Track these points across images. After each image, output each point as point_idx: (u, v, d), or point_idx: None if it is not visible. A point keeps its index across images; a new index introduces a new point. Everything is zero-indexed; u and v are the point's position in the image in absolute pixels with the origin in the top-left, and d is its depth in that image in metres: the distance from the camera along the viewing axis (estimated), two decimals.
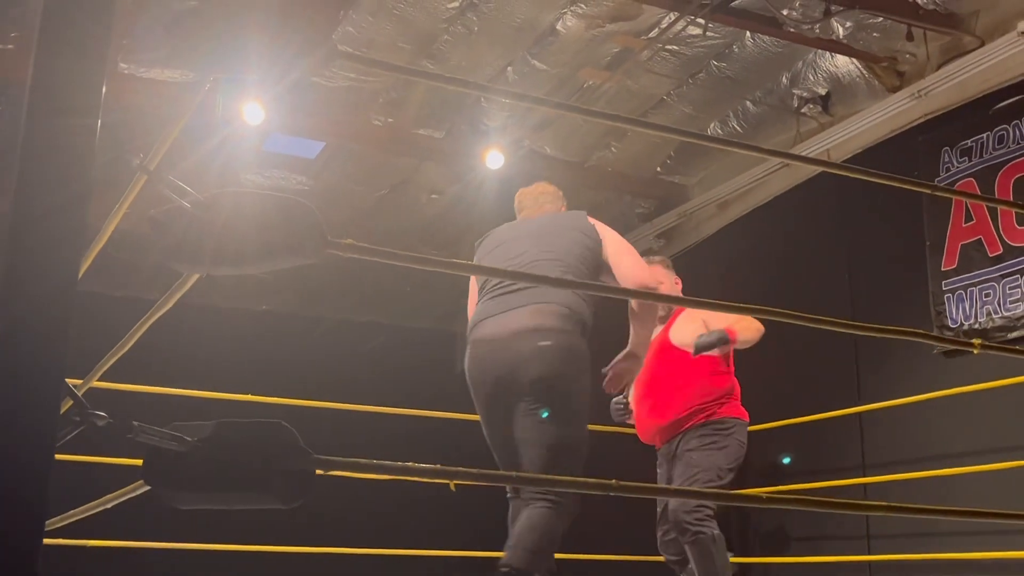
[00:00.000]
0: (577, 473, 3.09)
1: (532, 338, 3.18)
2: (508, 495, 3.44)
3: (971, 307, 5.70)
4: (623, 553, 6.11)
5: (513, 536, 3.11)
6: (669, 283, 4.67)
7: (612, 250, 3.52)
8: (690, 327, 4.46)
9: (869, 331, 2.20)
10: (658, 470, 4.60)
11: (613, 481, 1.67)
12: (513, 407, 3.26)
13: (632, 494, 1.58)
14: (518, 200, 4.02)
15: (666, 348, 4.57)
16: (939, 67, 5.96)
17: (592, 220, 3.68)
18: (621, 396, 4.34)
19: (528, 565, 3.01)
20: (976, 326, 5.62)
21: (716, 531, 4.17)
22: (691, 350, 4.28)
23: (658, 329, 4.57)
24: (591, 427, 3.43)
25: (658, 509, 4.52)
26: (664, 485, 4.42)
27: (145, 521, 5.39)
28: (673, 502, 4.20)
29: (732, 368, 4.62)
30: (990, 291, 5.62)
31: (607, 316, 3.74)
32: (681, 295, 4.71)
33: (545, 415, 3.15)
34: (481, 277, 3.51)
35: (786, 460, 6.65)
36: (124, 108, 6.07)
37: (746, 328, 4.29)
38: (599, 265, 3.49)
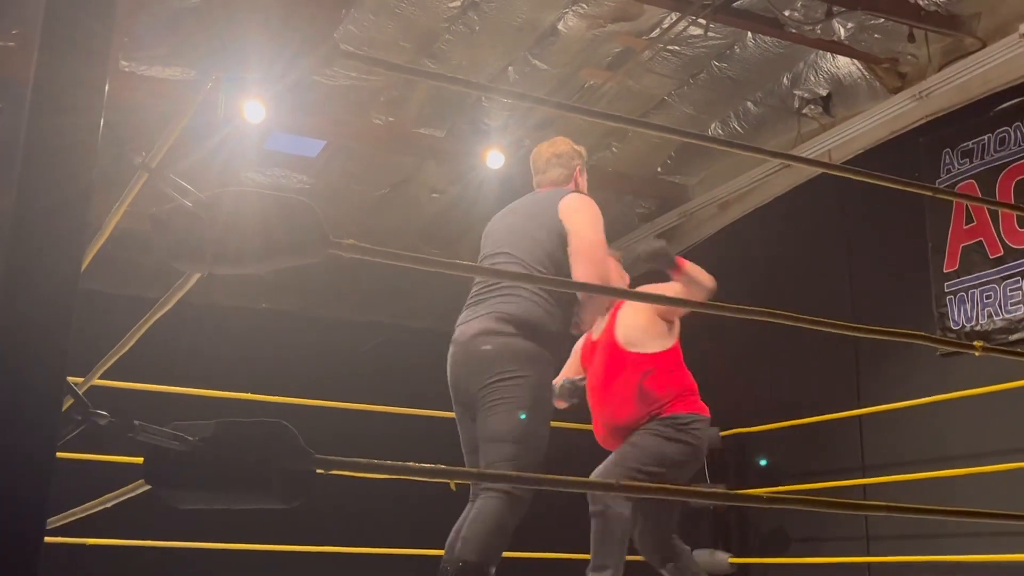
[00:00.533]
0: (534, 468, 3.08)
1: (477, 342, 3.24)
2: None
3: (972, 309, 5.70)
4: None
5: (462, 528, 3.12)
6: (616, 280, 4.28)
7: (572, 249, 3.37)
8: (634, 320, 4.13)
9: (869, 333, 2.20)
10: None
11: (614, 482, 1.66)
12: (470, 410, 3.32)
13: (635, 495, 1.58)
14: (531, 161, 3.85)
15: (612, 347, 4.18)
16: (940, 68, 5.96)
17: (565, 207, 3.47)
18: (579, 378, 4.16)
19: (476, 555, 3.00)
20: (977, 328, 5.63)
21: (626, 512, 3.80)
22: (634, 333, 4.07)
23: (601, 326, 4.25)
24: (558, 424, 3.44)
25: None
26: (664, 485, 4.22)
27: (144, 520, 5.40)
28: (596, 475, 3.85)
29: (682, 363, 4.20)
30: (991, 293, 5.62)
31: None
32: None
33: (493, 412, 3.16)
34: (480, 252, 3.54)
35: (763, 462, 6.67)
36: (124, 106, 6.06)
37: (700, 274, 4.05)
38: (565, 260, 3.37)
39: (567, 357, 4.23)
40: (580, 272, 3.25)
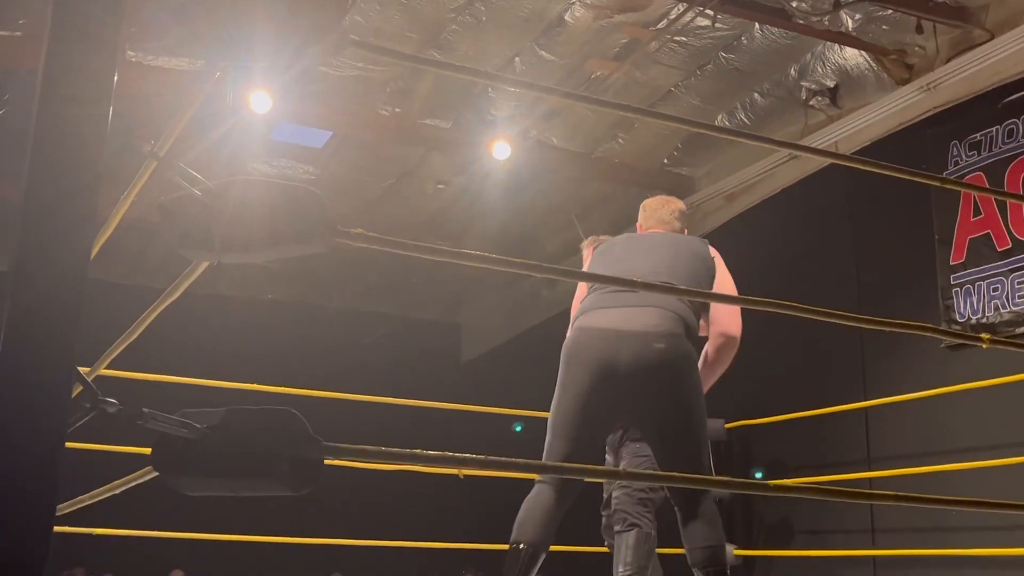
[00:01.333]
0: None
1: (649, 337, 3.16)
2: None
3: (979, 301, 5.69)
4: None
5: (697, 538, 3.18)
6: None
7: (720, 284, 3.46)
8: None
9: (876, 325, 2.19)
10: (606, 458, 4.26)
11: (621, 469, 1.67)
12: (619, 400, 3.22)
13: (639, 479, 1.57)
14: (643, 210, 3.86)
15: None
16: (948, 60, 5.94)
17: (712, 251, 3.56)
18: None
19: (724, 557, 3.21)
20: (984, 320, 5.61)
21: (652, 531, 4.00)
22: None
23: None
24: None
25: (604, 495, 4.26)
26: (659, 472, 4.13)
27: (150, 509, 5.41)
28: (619, 489, 4.00)
29: None
30: (998, 285, 5.61)
31: None
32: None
33: (687, 427, 3.19)
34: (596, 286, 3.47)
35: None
36: (131, 96, 6.07)
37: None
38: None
39: None
40: (729, 317, 3.41)
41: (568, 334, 3.39)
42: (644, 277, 3.10)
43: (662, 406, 3.17)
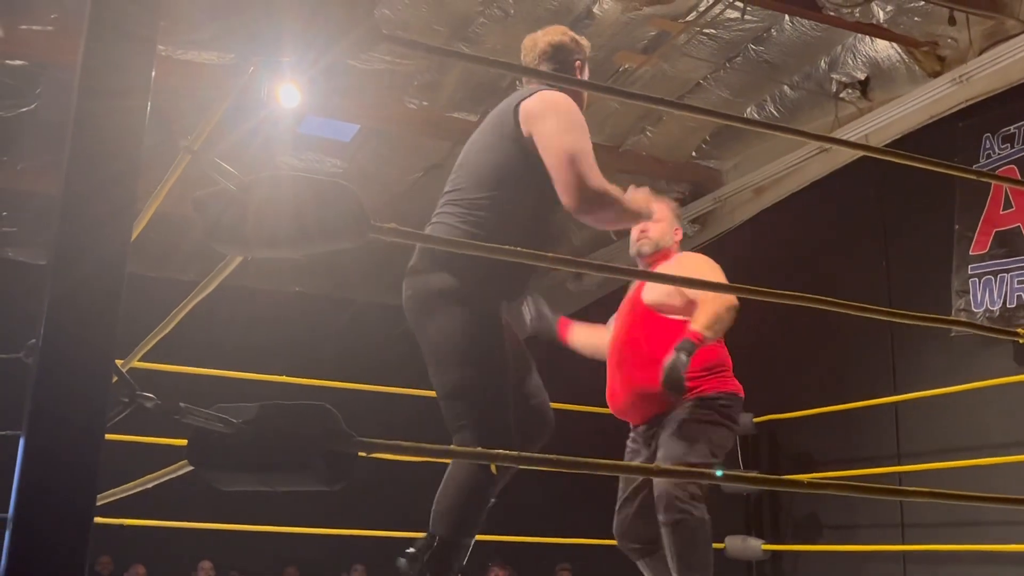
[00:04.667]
0: (484, 422, 2.58)
1: (407, 285, 2.76)
2: None
3: (1000, 292, 5.63)
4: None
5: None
6: (667, 223, 3.86)
7: (542, 146, 2.68)
8: (664, 288, 3.69)
9: (908, 319, 2.17)
10: (630, 447, 3.79)
11: (656, 465, 1.66)
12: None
13: (673, 476, 1.57)
14: (522, 58, 3.13)
15: (639, 308, 3.80)
16: (981, 52, 5.87)
17: (528, 110, 2.74)
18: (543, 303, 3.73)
19: (434, 525, 2.63)
20: (1006, 312, 5.56)
21: (705, 515, 3.47)
22: (662, 370, 3.37)
23: (632, 286, 3.90)
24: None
25: (622, 490, 3.74)
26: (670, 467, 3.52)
27: (179, 500, 5.45)
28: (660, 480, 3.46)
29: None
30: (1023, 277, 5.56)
31: None
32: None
33: (431, 368, 2.72)
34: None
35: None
36: (160, 90, 6.10)
37: (712, 315, 3.43)
38: (518, 164, 2.72)
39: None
40: (557, 187, 2.65)
41: None
42: (443, 198, 2.75)
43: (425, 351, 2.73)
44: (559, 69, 2.94)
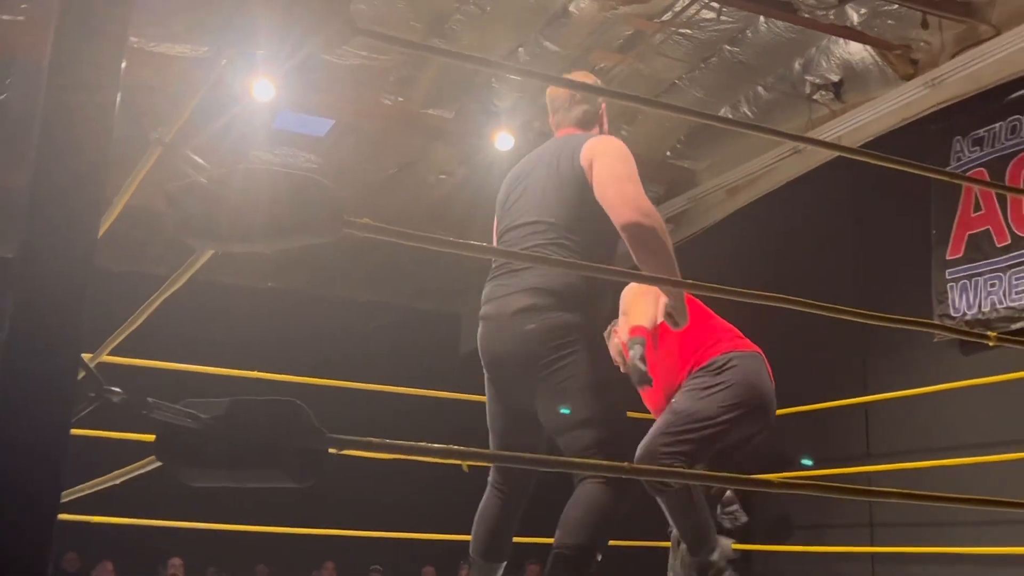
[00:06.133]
0: (613, 447, 2.77)
1: (518, 320, 2.84)
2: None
3: (975, 297, 5.69)
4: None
5: (562, 519, 2.82)
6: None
7: (598, 181, 2.86)
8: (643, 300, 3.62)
9: (882, 321, 2.18)
10: None
11: (626, 464, 1.66)
12: (519, 390, 2.95)
13: (647, 477, 1.57)
14: (548, 99, 3.26)
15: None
16: (953, 56, 5.92)
17: (588, 150, 2.93)
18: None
19: (569, 539, 2.75)
20: (980, 316, 5.61)
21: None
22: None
23: None
24: None
25: None
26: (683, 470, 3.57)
27: (148, 497, 5.40)
28: (640, 448, 3.52)
29: (711, 313, 3.86)
30: (996, 281, 5.60)
31: None
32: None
33: (558, 399, 2.82)
34: (500, 226, 3.07)
35: (806, 461, 6.55)
36: (132, 83, 6.05)
37: (642, 309, 3.42)
38: (592, 200, 2.88)
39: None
40: (608, 204, 2.83)
41: None
42: (529, 233, 2.89)
43: (534, 380, 2.87)
44: (588, 110, 3.15)
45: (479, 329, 3.01)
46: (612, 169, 2.86)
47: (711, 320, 3.80)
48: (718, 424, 3.53)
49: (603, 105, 3.22)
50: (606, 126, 3.26)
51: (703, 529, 3.74)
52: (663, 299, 3.01)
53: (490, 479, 3.11)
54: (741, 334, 3.86)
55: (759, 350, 3.80)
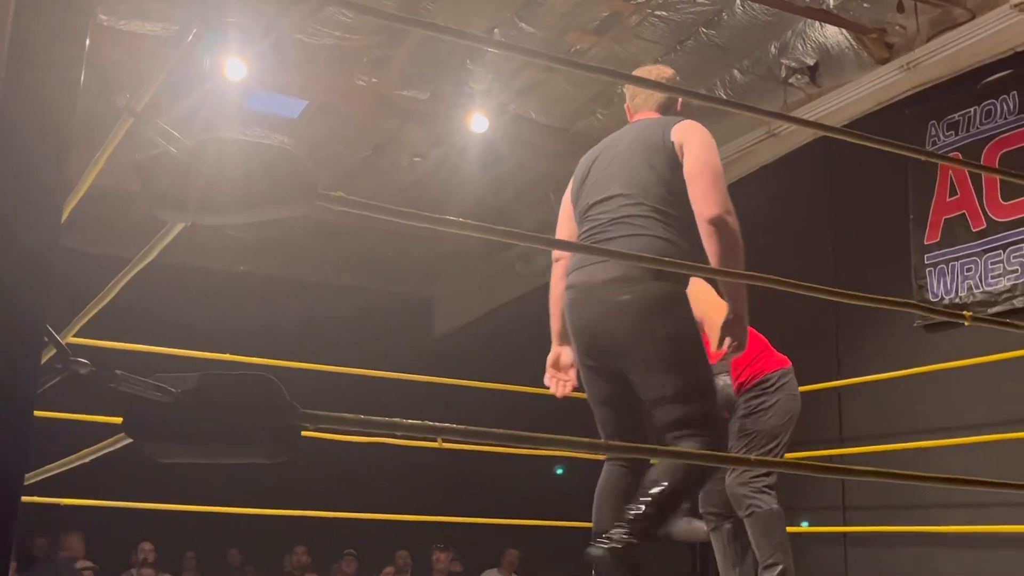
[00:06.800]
0: (712, 419, 2.85)
1: (611, 290, 2.85)
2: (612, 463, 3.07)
3: (952, 281, 5.72)
4: None
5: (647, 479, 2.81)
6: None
7: (689, 168, 2.94)
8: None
9: (859, 300, 2.17)
10: None
11: (603, 440, 1.64)
12: (613, 360, 2.94)
13: (622, 452, 1.55)
14: (629, 87, 3.37)
15: None
16: (929, 40, 5.93)
17: (680, 130, 3.01)
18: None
19: (642, 506, 2.76)
20: (957, 300, 5.64)
21: (774, 505, 3.88)
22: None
23: None
24: None
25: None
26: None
27: (118, 480, 5.36)
28: (729, 476, 3.91)
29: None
30: (972, 266, 5.63)
31: None
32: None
33: (655, 371, 2.84)
34: (582, 203, 3.11)
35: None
36: (102, 61, 5.97)
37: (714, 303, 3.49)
38: (683, 180, 2.96)
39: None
40: (699, 192, 2.90)
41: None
42: (617, 212, 2.94)
43: (629, 351, 2.89)
44: (672, 96, 3.25)
45: (566, 298, 3.01)
46: (705, 159, 2.94)
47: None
48: (783, 440, 3.99)
49: (680, 99, 3.32)
50: (681, 112, 3.31)
51: (785, 546, 3.93)
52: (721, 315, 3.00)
53: (609, 456, 3.03)
54: (770, 344, 4.22)
55: (790, 362, 4.18)
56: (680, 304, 2.89)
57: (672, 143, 2.97)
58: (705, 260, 2.89)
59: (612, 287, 2.85)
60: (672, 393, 2.81)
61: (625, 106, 3.37)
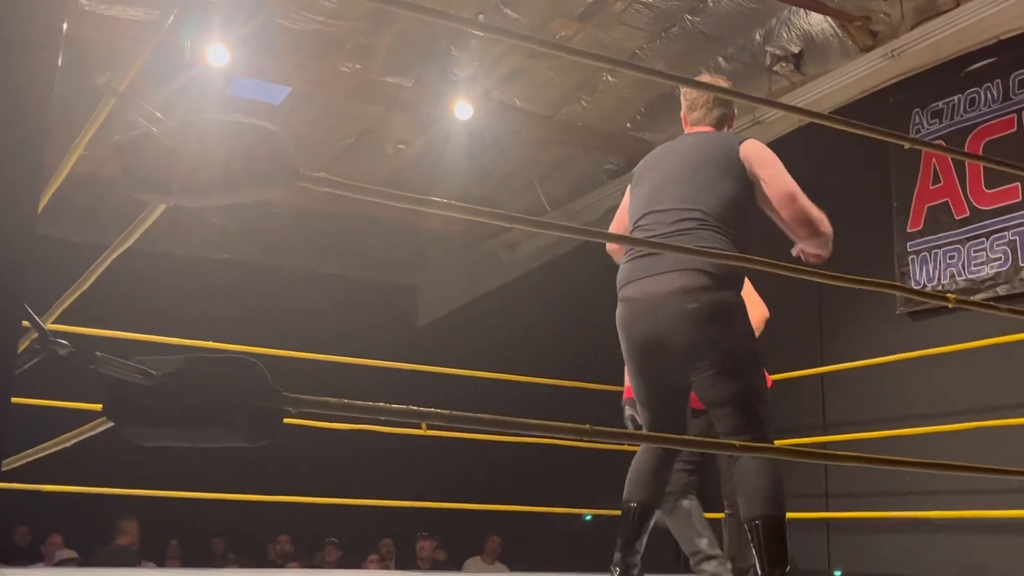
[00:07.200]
0: (770, 417, 3.05)
1: (678, 300, 2.99)
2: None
3: (935, 269, 5.73)
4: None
5: (744, 492, 2.99)
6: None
7: (774, 193, 3.17)
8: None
9: (845, 282, 2.18)
10: None
11: (587, 426, 1.63)
12: (676, 369, 3.09)
13: (607, 440, 1.54)
14: (687, 96, 3.44)
15: None
16: (913, 27, 5.93)
17: (749, 149, 3.19)
18: None
19: (771, 509, 2.96)
20: (939, 288, 5.66)
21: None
22: None
23: None
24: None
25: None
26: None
27: (98, 468, 5.33)
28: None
29: None
30: (955, 254, 5.65)
31: None
32: None
33: (727, 377, 3.00)
34: (635, 210, 3.23)
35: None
36: (83, 45, 5.91)
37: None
38: (748, 198, 3.17)
39: None
40: (796, 211, 3.19)
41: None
42: (675, 224, 3.06)
43: (695, 357, 3.05)
44: (725, 112, 3.42)
45: (621, 310, 3.13)
46: (784, 180, 3.19)
47: None
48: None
49: (735, 112, 3.51)
50: (733, 128, 3.51)
51: None
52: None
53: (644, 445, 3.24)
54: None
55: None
56: (741, 311, 3.07)
57: (741, 161, 3.14)
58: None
59: (678, 297, 2.98)
60: (737, 394, 2.98)
61: (681, 115, 3.48)
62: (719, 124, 3.39)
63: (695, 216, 3.07)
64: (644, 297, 3.04)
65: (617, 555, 3.07)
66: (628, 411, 3.98)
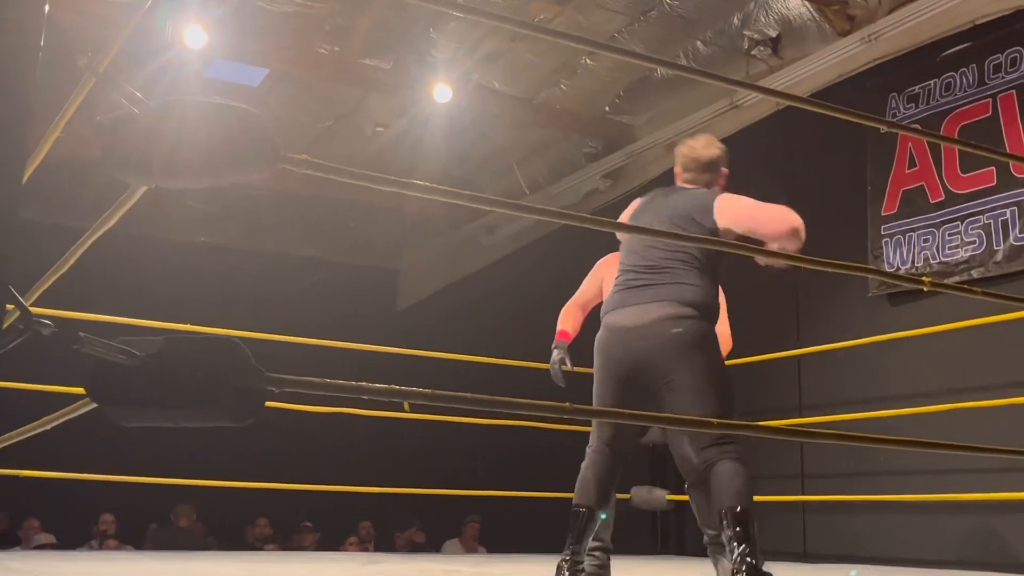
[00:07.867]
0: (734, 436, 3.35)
1: (663, 326, 3.31)
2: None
3: (909, 252, 5.78)
4: None
5: (716, 494, 3.28)
6: None
7: (740, 222, 3.41)
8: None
9: (821, 266, 2.20)
10: None
11: (567, 404, 1.65)
12: (650, 389, 3.36)
13: (586, 416, 1.56)
14: (683, 157, 3.73)
15: None
16: (890, 12, 5.97)
17: (718, 209, 3.46)
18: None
19: (744, 503, 3.24)
20: (913, 271, 5.71)
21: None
22: None
23: None
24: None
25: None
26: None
27: (79, 453, 5.31)
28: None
29: None
30: (929, 237, 5.70)
31: None
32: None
33: (700, 394, 3.29)
34: (624, 260, 3.56)
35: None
36: (63, 27, 5.87)
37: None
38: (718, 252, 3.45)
39: None
40: (769, 226, 3.41)
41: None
42: (661, 269, 3.40)
43: (668, 376, 3.33)
44: (714, 177, 3.70)
45: (606, 336, 3.45)
46: (744, 210, 3.44)
47: None
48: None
49: (726, 173, 3.77)
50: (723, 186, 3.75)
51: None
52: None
53: (595, 446, 3.52)
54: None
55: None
56: (715, 340, 3.44)
57: (716, 226, 3.41)
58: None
59: (663, 324, 3.31)
60: (710, 412, 3.23)
61: (675, 170, 3.72)
62: (708, 185, 3.66)
63: (681, 257, 3.41)
64: (632, 325, 3.35)
65: (567, 550, 3.29)
66: (557, 354, 4.12)
